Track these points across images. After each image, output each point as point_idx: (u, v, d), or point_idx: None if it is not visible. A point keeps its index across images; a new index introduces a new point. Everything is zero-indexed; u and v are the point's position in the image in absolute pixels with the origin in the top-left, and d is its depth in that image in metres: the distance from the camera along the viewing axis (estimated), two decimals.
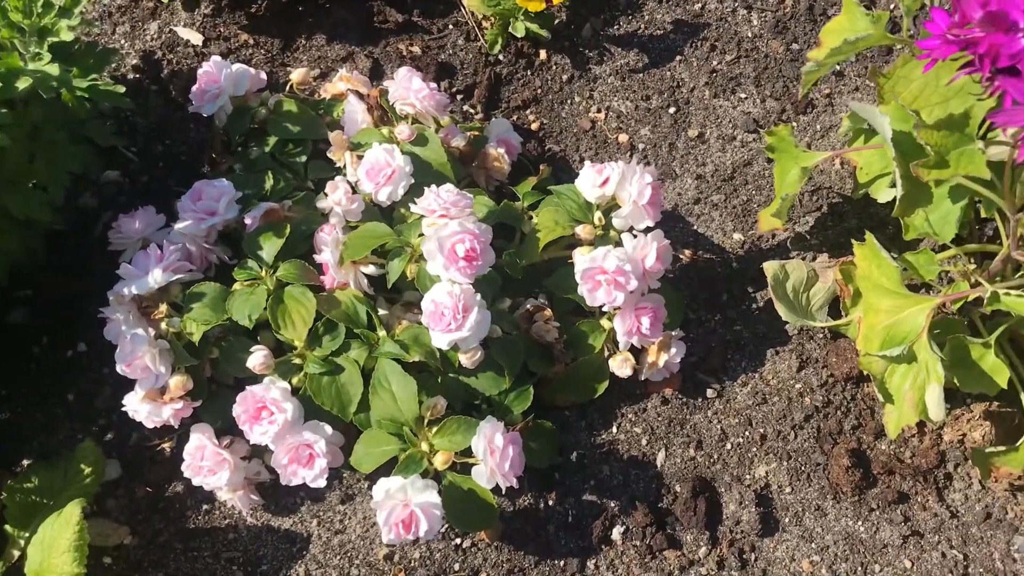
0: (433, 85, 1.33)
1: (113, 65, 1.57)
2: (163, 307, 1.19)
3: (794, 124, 1.56)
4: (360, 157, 1.28)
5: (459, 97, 1.57)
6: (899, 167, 1.02)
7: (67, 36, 1.07)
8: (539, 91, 1.59)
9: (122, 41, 1.60)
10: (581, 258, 1.22)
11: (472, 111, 1.57)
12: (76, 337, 1.39)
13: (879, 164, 1.32)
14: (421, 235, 1.21)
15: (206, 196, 1.25)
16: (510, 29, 1.56)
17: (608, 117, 1.57)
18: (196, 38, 1.60)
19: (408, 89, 1.30)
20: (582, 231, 1.26)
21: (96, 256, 1.41)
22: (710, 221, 1.49)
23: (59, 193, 1.20)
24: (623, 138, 1.55)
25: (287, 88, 1.44)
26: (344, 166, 1.31)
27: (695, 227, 1.48)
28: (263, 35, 1.61)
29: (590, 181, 1.26)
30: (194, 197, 1.25)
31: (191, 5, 1.61)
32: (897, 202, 1.06)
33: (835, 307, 1.37)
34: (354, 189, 1.27)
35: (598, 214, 1.28)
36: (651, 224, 1.27)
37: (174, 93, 1.56)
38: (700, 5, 1.65)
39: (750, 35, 1.62)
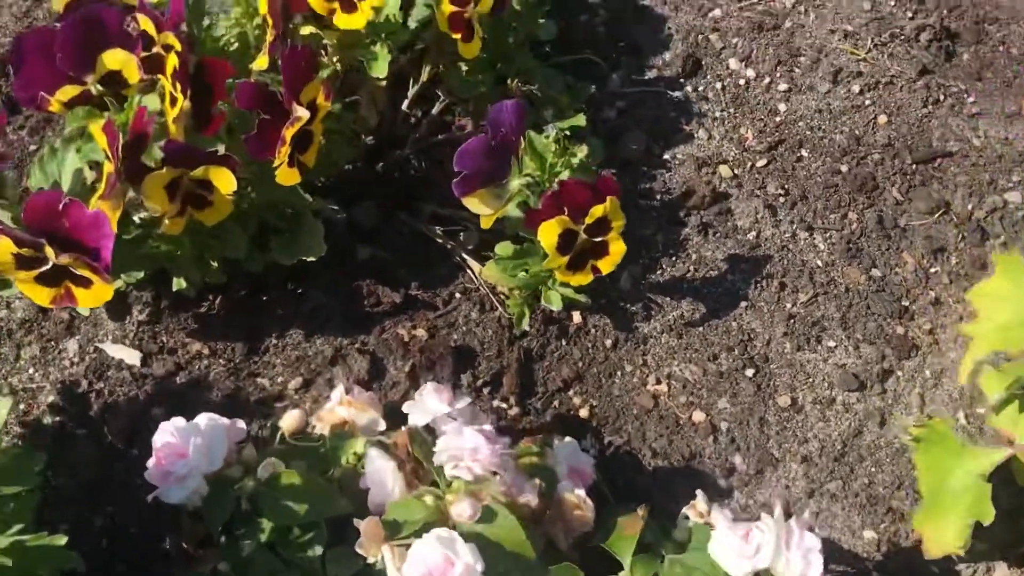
0: (489, 429, 0.98)
1: (21, 408, 1.18)
2: None
3: (899, 373, 1.27)
4: (403, 546, 0.92)
5: (485, 390, 1.23)
6: None
7: None
8: (580, 365, 1.26)
9: (30, 370, 1.21)
10: None
11: (504, 406, 1.22)
12: None
13: None
14: None
15: None
16: (542, 301, 1.23)
17: (672, 389, 1.25)
18: (132, 356, 1.21)
19: (462, 448, 0.95)
20: None
21: None
22: (832, 519, 1.17)
23: None
24: (698, 416, 1.23)
25: (277, 439, 1.06)
26: (382, 561, 0.94)
27: (817, 530, 1.16)
28: (220, 340, 1.24)
29: (734, 551, 0.92)
30: None
31: (119, 313, 1.23)
32: None
33: None
34: None
35: None
36: None
37: (111, 437, 1.17)
38: (754, 234, 1.36)
39: (820, 264, 1.34)
